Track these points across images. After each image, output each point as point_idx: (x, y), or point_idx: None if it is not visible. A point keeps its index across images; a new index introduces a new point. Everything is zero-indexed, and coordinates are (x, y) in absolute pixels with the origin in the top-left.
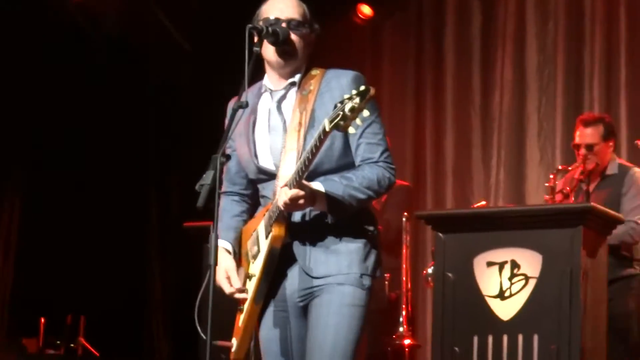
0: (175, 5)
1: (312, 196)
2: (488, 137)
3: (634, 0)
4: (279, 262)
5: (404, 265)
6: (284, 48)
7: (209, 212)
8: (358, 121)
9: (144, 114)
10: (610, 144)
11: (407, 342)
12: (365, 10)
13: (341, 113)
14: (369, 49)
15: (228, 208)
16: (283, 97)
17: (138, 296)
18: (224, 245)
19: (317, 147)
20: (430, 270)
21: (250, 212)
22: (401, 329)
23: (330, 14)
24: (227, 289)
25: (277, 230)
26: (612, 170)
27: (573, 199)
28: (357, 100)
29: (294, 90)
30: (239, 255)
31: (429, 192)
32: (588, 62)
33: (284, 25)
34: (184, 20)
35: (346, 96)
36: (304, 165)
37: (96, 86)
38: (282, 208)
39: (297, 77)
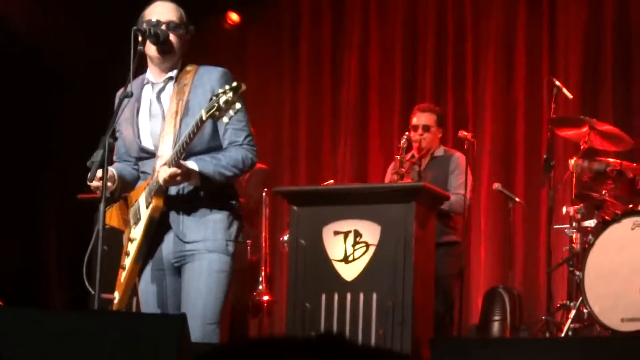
0: (72, 7)
1: (187, 173)
2: (336, 125)
3: (460, 11)
4: (157, 229)
5: (264, 233)
6: (164, 47)
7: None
8: (231, 112)
9: (44, 100)
10: (440, 130)
11: (265, 298)
12: (234, 17)
13: (216, 105)
14: (236, 48)
15: (121, 166)
16: (162, 89)
17: (38, 258)
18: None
19: (194, 133)
20: (285, 238)
21: (134, 182)
22: (260, 287)
23: (203, 19)
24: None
25: (157, 202)
26: (439, 153)
27: (408, 179)
28: (230, 94)
29: (171, 83)
30: (118, 186)
31: (286, 172)
32: (421, 61)
33: (163, 27)
34: (80, 20)
35: (221, 90)
36: (182, 147)
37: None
38: (162, 183)
39: (174, 72)
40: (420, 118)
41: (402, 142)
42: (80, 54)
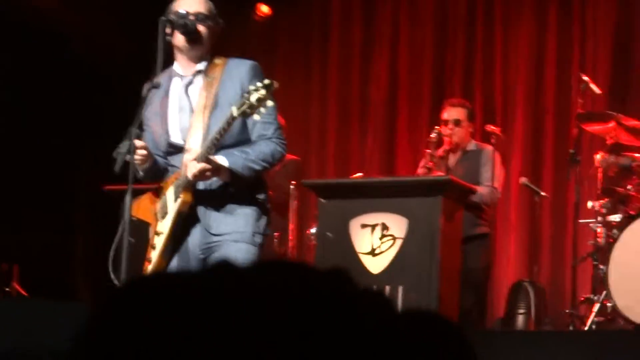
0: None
1: (217, 169)
2: (365, 119)
3: (490, 7)
4: (185, 223)
5: (292, 226)
6: (192, 37)
7: (125, 177)
8: (262, 109)
9: (73, 91)
10: (471, 125)
11: None
12: (264, 9)
13: (247, 102)
14: (266, 41)
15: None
16: (190, 82)
17: (64, 248)
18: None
19: (225, 130)
20: (312, 231)
21: (164, 170)
22: None
23: (233, 12)
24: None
25: (185, 196)
26: (471, 147)
27: (436, 173)
28: (262, 92)
29: (200, 76)
30: (150, 161)
31: (314, 165)
32: (450, 57)
33: (192, 17)
34: (110, 11)
35: (252, 87)
36: (212, 143)
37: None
38: (191, 178)
39: (203, 65)
40: (451, 112)
41: (432, 135)
42: (109, 45)
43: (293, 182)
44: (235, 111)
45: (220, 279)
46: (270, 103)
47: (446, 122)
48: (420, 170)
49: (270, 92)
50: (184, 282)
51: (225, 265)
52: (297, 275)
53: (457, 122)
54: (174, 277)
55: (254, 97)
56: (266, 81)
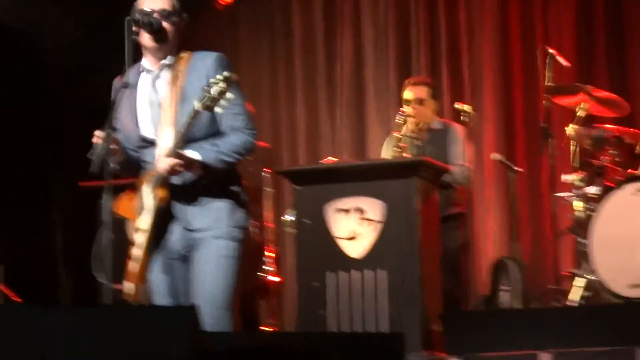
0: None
1: (188, 163)
2: (332, 101)
3: None
4: (163, 219)
5: (268, 213)
6: (158, 35)
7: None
8: (223, 102)
9: (45, 92)
10: (436, 103)
11: (273, 279)
12: None
13: (208, 95)
14: (229, 30)
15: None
16: (158, 77)
17: (45, 247)
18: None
19: (189, 124)
20: (288, 217)
21: (138, 166)
22: (267, 268)
23: (194, 2)
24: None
25: (161, 192)
26: (436, 126)
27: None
28: (222, 84)
29: (166, 70)
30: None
31: (285, 150)
32: (414, 34)
33: (156, 15)
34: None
35: (212, 80)
36: (180, 138)
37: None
38: (164, 174)
39: (169, 60)
40: (412, 92)
41: (397, 118)
42: (77, 44)
43: (266, 169)
44: (196, 105)
45: None
46: (231, 95)
47: (408, 102)
48: (385, 153)
49: (231, 84)
50: None
51: None
52: None
53: (419, 102)
54: None
55: (214, 90)
56: (225, 73)
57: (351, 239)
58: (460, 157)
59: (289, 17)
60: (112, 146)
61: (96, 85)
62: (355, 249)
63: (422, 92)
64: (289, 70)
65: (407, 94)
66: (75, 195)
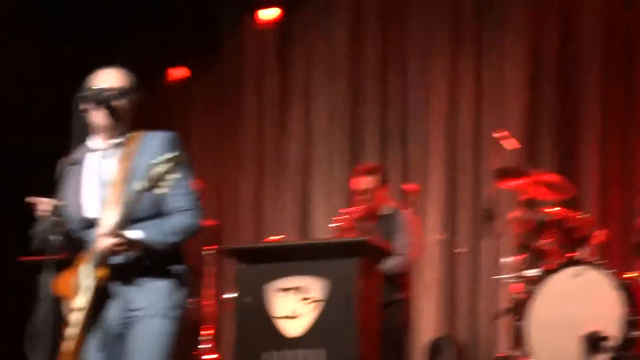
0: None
1: (129, 244)
2: (280, 181)
3: (402, 56)
4: (101, 298)
5: (208, 291)
6: (109, 114)
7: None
8: (168, 182)
9: None
10: (385, 187)
11: (211, 356)
12: (177, 73)
13: (150, 176)
14: (181, 105)
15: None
16: (107, 156)
17: None
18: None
19: (131, 204)
20: (227, 296)
21: (80, 244)
22: (204, 346)
23: (145, 78)
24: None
25: (100, 272)
26: (385, 211)
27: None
28: (165, 165)
29: (116, 150)
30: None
31: (228, 225)
32: (364, 112)
33: (107, 94)
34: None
35: (154, 161)
36: (122, 219)
37: None
38: (104, 253)
39: (120, 139)
40: (361, 182)
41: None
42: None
43: (210, 247)
44: (137, 185)
45: None
46: (176, 175)
47: (357, 192)
48: (336, 232)
49: (177, 164)
50: None
51: None
52: None
53: (367, 192)
54: None
55: (156, 171)
56: (169, 155)
57: (291, 317)
58: (404, 246)
59: (240, 93)
60: (55, 218)
61: (39, 161)
62: (295, 328)
63: (370, 182)
64: (236, 147)
65: (357, 183)
66: (14, 269)
